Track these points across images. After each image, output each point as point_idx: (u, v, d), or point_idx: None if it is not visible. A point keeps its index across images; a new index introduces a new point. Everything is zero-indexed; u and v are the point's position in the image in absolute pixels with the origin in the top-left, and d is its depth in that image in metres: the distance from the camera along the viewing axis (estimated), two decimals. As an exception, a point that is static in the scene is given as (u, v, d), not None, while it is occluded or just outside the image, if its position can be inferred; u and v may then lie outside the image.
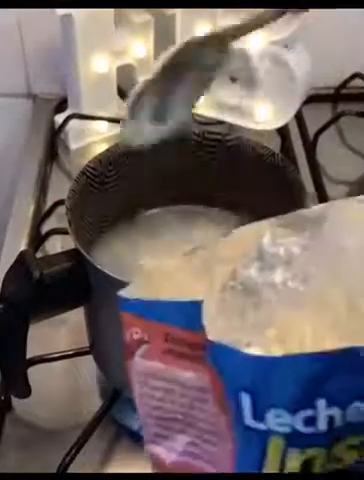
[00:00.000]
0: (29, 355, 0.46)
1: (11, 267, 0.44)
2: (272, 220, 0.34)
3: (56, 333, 0.57)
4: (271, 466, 0.30)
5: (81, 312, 0.48)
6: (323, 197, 0.69)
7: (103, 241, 0.51)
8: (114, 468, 0.50)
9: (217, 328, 0.30)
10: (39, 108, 0.84)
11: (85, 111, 0.76)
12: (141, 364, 0.34)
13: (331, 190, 0.71)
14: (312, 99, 0.75)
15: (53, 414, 0.53)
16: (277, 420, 0.28)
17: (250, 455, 0.30)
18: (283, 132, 0.77)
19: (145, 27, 0.76)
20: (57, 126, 0.78)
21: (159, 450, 0.34)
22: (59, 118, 0.78)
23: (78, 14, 0.70)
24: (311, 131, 0.77)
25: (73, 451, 0.48)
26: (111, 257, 0.48)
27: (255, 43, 0.70)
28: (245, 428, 0.29)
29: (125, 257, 0.49)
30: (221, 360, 0.29)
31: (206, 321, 0.30)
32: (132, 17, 0.76)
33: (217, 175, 0.52)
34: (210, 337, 0.29)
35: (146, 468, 0.49)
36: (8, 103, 0.86)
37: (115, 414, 0.52)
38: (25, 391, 0.48)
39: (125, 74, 0.78)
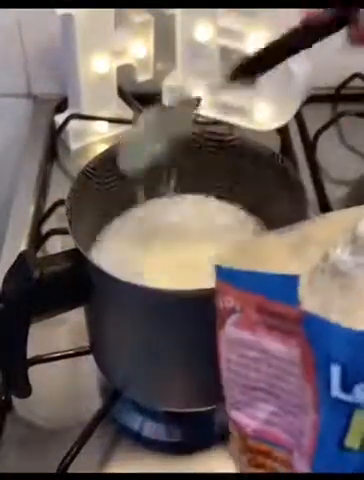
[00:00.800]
0: (29, 355, 0.46)
1: (11, 267, 0.44)
2: None
3: (56, 333, 0.57)
4: (353, 439, 0.31)
5: (81, 312, 0.48)
6: (323, 197, 0.69)
7: (103, 241, 0.51)
8: (114, 468, 0.50)
9: (310, 303, 0.31)
10: (39, 108, 0.84)
11: (85, 111, 0.77)
12: (232, 332, 0.34)
13: (331, 190, 0.71)
14: (312, 99, 0.75)
15: (53, 414, 0.53)
16: None
17: (334, 426, 0.31)
18: (283, 132, 0.77)
19: (145, 27, 0.76)
20: (57, 126, 0.78)
21: (241, 416, 0.35)
22: (59, 118, 0.78)
23: (78, 14, 0.70)
24: (311, 131, 0.77)
25: (73, 451, 0.48)
26: (111, 257, 0.48)
27: (255, 43, 0.70)
28: (332, 399, 0.30)
29: (125, 257, 0.49)
30: (315, 331, 0.30)
31: (302, 294, 0.31)
32: (132, 17, 0.76)
33: (217, 175, 0.52)
34: (307, 308, 0.30)
35: (146, 468, 0.49)
36: (8, 103, 0.86)
37: (115, 414, 0.52)
38: (25, 391, 0.48)
39: (125, 74, 0.78)
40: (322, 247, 0.32)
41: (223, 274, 0.34)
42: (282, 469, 0.35)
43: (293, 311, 0.31)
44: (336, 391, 0.30)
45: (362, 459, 0.31)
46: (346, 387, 0.30)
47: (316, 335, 0.30)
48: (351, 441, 0.31)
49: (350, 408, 0.30)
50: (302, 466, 0.33)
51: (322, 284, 0.31)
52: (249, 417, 0.35)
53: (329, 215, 0.36)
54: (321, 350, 0.30)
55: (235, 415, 0.36)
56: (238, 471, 0.38)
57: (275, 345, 0.33)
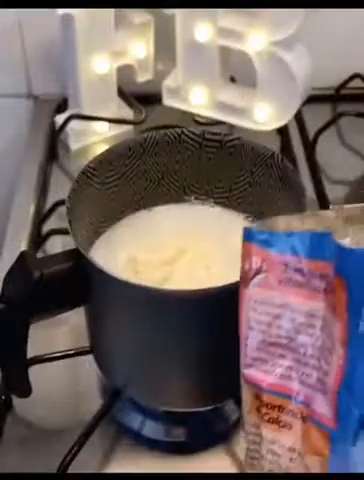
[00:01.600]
0: (29, 355, 0.46)
1: (11, 267, 0.44)
2: None
3: (56, 333, 0.57)
4: None
5: (81, 312, 0.48)
6: (322, 197, 0.69)
7: (103, 241, 0.51)
8: (114, 468, 0.50)
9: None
10: (39, 108, 0.84)
11: (85, 111, 0.77)
12: (256, 291, 0.37)
13: (331, 190, 0.71)
14: (312, 99, 0.75)
15: (53, 414, 0.53)
16: None
17: (362, 357, 0.33)
18: (283, 132, 0.77)
19: (145, 27, 0.77)
20: (57, 126, 0.78)
21: (256, 374, 0.38)
22: (59, 118, 0.78)
23: (78, 14, 0.70)
24: (311, 131, 0.77)
25: (73, 451, 0.48)
26: (111, 257, 0.48)
27: (255, 43, 0.70)
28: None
29: (125, 256, 0.49)
30: (352, 267, 0.33)
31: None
32: (132, 17, 0.76)
33: (217, 175, 0.52)
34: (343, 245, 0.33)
35: (146, 468, 0.49)
36: (8, 103, 0.86)
37: (115, 414, 0.52)
38: (26, 391, 0.48)
39: (125, 74, 0.78)
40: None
41: (250, 236, 0.37)
42: (296, 422, 0.37)
43: (319, 266, 0.34)
44: None
45: None
46: None
47: (353, 270, 0.33)
48: None
49: None
50: (325, 406, 0.35)
51: None
52: (265, 373, 0.37)
53: None
54: (357, 285, 0.33)
55: (250, 372, 0.38)
56: (246, 434, 0.40)
57: (298, 300, 0.36)
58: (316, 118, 0.78)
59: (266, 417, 0.38)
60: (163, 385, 0.48)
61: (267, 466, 0.39)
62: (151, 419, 0.52)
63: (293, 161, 0.74)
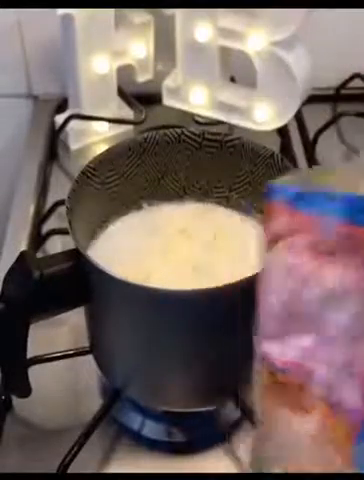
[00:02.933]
0: (29, 355, 0.46)
1: (11, 267, 0.44)
2: None
3: (56, 333, 0.57)
4: None
5: (81, 312, 0.48)
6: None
7: (103, 240, 0.51)
8: (114, 468, 0.50)
9: None
10: (39, 108, 0.84)
11: (85, 111, 0.77)
12: (281, 257, 0.31)
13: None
14: (312, 99, 0.75)
15: (53, 414, 0.53)
16: None
17: None
18: (283, 132, 0.77)
19: (145, 27, 0.77)
20: (57, 126, 0.78)
21: (273, 347, 0.32)
22: (59, 118, 0.78)
23: (78, 14, 0.70)
24: (311, 131, 0.77)
25: (73, 451, 0.48)
26: (111, 256, 0.48)
27: (255, 43, 0.70)
28: None
29: (125, 256, 0.49)
30: None
31: None
32: (132, 17, 0.76)
33: (217, 175, 0.52)
34: None
35: (146, 468, 0.49)
36: (8, 103, 0.86)
37: (115, 414, 0.52)
38: (25, 391, 0.48)
39: (125, 74, 0.78)
40: None
41: (280, 193, 0.31)
42: (320, 405, 0.32)
43: (358, 232, 0.29)
44: None
45: None
46: None
47: None
48: None
49: None
50: (354, 394, 0.30)
51: None
52: (283, 348, 0.32)
53: None
54: None
55: (267, 347, 0.33)
56: (259, 416, 0.34)
57: (330, 270, 0.30)
58: (316, 118, 0.78)
59: (281, 400, 0.33)
60: (163, 385, 0.48)
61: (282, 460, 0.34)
62: (151, 419, 0.52)
63: (293, 161, 0.74)
